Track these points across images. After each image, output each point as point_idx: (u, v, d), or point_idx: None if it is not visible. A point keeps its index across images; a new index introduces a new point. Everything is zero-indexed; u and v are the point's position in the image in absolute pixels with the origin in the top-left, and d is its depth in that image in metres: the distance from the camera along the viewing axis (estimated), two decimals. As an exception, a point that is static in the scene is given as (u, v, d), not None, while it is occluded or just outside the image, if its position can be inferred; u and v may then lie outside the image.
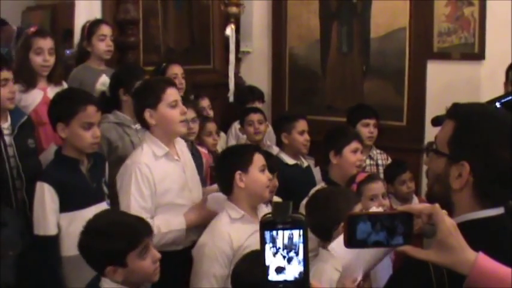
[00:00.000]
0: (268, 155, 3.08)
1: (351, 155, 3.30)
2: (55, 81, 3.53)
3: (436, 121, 3.62)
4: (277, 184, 3.10)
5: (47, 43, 3.45)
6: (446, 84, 4.62)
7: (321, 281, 2.25)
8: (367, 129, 4.35)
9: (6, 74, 2.94)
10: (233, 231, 2.61)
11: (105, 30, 3.92)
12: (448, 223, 1.27)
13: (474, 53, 4.51)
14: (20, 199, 2.96)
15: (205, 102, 4.33)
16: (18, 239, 2.66)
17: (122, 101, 3.38)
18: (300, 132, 3.95)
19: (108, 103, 3.38)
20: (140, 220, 2.29)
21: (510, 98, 2.80)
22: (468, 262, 1.26)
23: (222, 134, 4.65)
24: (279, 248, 1.08)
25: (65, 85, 3.60)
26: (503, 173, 1.43)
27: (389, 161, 4.39)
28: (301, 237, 1.08)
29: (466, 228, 1.37)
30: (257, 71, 5.46)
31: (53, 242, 2.72)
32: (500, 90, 3.75)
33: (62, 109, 2.79)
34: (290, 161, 3.89)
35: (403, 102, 4.80)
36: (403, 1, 4.71)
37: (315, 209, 2.49)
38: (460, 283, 1.26)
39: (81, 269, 2.63)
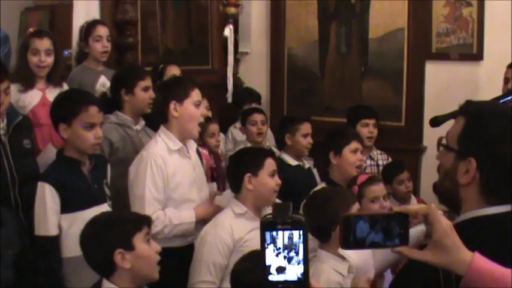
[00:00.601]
0: None
1: (351, 155, 3.31)
2: (54, 82, 3.53)
3: (435, 121, 3.64)
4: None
5: (43, 44, 3.45)
6: (445, 85, 4.62)
7: (319, 281, 2.25)
8: (367, 129, 4.35)
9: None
10: (235, 224, 2.71)
11: (101, 31, 3.92)
12: (444, 223, 1.27)
13: (472, 53, 4.51)
14: (12, 199, 2.94)
15: (204, 103, 4.32)
16: (17, 238, 2.66)
17: (124, 101, 3.39)
18: (304, 135, 3.97)
19: (109, 104, 3.39)
20: (138, 213, 2.38)
21: (509, 98, 2.81)
22: (464, 262, 1.26)
23: (222, 135, 4.65)
24: (279, 248, 1.08)
25: (65, 86, 3.60)
26: (510, 171, 1.43)
27: (390, 161, 4.39)
28: (301, 237, 1.08)
29: (472, 225, 1.38)
30: (255, 72, 5.45)
31: (53, 243, 2.72)
32: (498, 91, 3.76)
33: (64, 110, 2.79)
34: (292, 161, 3.91)
35: (402, 103, 4.80)
36: (401, 2, 4.71)
37: (312, 210, 2.50)
38: None
39: (81, 270, 2.63)
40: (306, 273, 1.08)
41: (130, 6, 4.34)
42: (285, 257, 1.08)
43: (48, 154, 3.12)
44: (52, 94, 3.41)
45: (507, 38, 4.27)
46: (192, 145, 3.12)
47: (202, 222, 2.92)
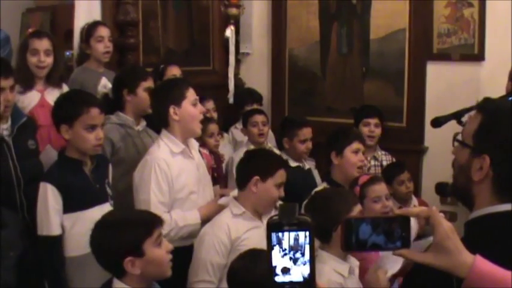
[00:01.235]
0: None
1: (352, 156, 3.31)
2: (53, 83, 3.53)
3: (436, 122, 3.65)
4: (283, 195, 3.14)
5: (42, 44, 3.46)
6: (446, 86, 4.62)
7: (319, 282, 2.25)
8: (367, 128, 4.35)
9: (4, 82, 2.90)
10: (233, 224, 2.73)
11: (103, 31, 3.92)
12: (445, 226, 1.27)
13: (474, 54, 4.51)
14: (17, 200, 2.95)
15: (209, 104, 4.32)
16: (19, 239, 2.66)
17: (125, 101, 3.39)
18: (302, 141, 3.96)
19: (110, 104, 3.39)
20: (149, 212, 2.37)
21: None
22: (466, 265, 1.26)
23: (226, 135, 4.65)
24: (285, 249, 1.08)
25: (64, 87, 3.60)
26: None
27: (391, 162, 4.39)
28: (307, 238, 1.08)
29: (484, 222, 1.38)
30: (257, 73, 5.46)
31: (56, 242, 2.73)
32: (500, 91, 3.75)
33: (66, 111, 2.80)
34: (292, 163, 3.90)
35: (403, 104, 4.80)
36: (402, 2, 4.71)
37: (314, 211, 2.50)
38: None
39: (85, 269, 2.65)
40: (312, 274, 1.08)
41: (132, 7, 4.35)
42: (290, 258, 1.08)
43: (47, 155, 3.13)
44: (51, 95, 3.43)
45: (508, 39, 4.26)
46: (194, 145, 3.14)
47: (207, 222, 2.93)
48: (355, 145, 3.34)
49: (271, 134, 4.64)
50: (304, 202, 2.83)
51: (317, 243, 2.48)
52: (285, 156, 3.89)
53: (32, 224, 2.84)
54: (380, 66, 4.87)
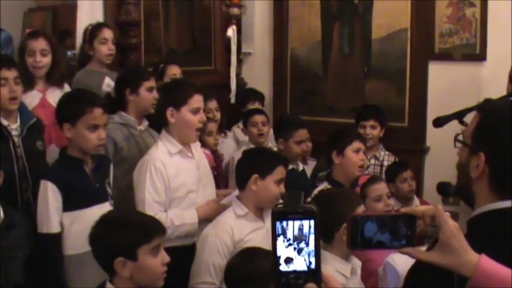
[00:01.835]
0: None
1: (353, 155, 3.31)
2: (54, 82, 3.53)
3: (438, 122, 3.65)
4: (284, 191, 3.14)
5: (38, 44, 3.46)
6: (448, 85, 4.62)
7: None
8: (363, 130, 4.33)
9: (6, 73, 2.95)
10: (236, 225, 2.72)
11: (107, 34, 3.92)
12: (450, 225, 1.27)
13: (476, 53, 4.51)
14: (25, 200, 2.97)
15: (212, 104, 4.31)
16: (27, 239, 2.66)
17: (128, 101, 3.40)
18: (297, 142, 3.95)
19: (112, 104, 3.40)
20: (155, 219, 2.35)
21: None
22: (471, 264, 1.26)
23: (230, 134, 4.65)
24: (290, 239, 1.07)
25: (66, 87, 3.60)
26: None
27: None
28: (312, 227, 1.08)
29: (485, 219, 1.39)
30: (258, 72, 5.46)
31: (55, 240, 2.74)
32: (502, 91, 3.76)
33: (69, 110, 2.81)
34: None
35: (405, 103, 4.80)
36: (404, 2, 4.71)
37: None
38: None
39: (82, 268, 2.66)
40: (317, 264, 1.07)
41: (134, 7, 4.35)
42: (294, 248, 1.08)
43: (51, 155, 3.14)
44: (52, 95, 3.44)
45: (510, 38, 4.26)
46: (196, 145, 3.14)
47: (207, 221, 2.93)
48: (356, 144, 3.34)
49: (272, 134, 4.64)
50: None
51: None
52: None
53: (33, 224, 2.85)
54: (382, 66, 4.87)
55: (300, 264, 1.07)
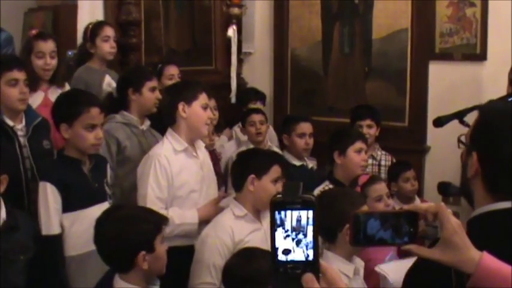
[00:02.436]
0: None
1: (355, 155, 3.32)
2: (57, 83, 3.53)
3: (438, 122, 3.64)
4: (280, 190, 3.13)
5: (48, 46, 3.45)
6: (448, 85, 4.62)
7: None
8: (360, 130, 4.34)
9: (17, 74, 2.94)
10: (235, 226, 2.72)
11: (109, 31, 3.93)
12: (453, 222, 1.27)
13: (476, 53, 4.51)
14: (33, 200, 2.93)
15: (211, 103, 4.32)
16: (31, 243, 2.61)
17: (130, 101, 3.40)
18: (300, 135, 3.96)
19: (115, 103, 3.40)
20: (153, 210, 2.41)
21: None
22: (473, 261, 1.26)
23: (230, 131, 4.64)
24: (288, 230, 1.07)
25: (67, 87, 3.60)
26: (510, 167, 1.45)
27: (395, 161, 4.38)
28: (311, 218, 1.07)
29: (485, 220, 1.41)
30: (259, 72, 5.46)
31: (56, 241, 2.73)
32: (502, 91, 3.76)
33: (66, 110, 2.80)
34: (296, 162, 3.89)
35: (405, 103, 4.80)
36: (405, 2, 4.71)
37: (320, 210, 2.49)
38: None
39: (83, 268, 2.65)
40: (316, 255, 1.07)
41: (134, 7, 4.36)
42: (293, 239, 1.07)
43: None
44: (54, 95, 3.42)
45: (510, 38, 4.26)
46: (200, 145, 3.16)
47: (205, 223, 2.93)
48: (358, 145, 3.35)
49: (274, 134, 4.64)
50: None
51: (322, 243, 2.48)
52: (287, 156, 3.89)
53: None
54: (382, 66, 4.88)
55: (298, 255, 1.07)
